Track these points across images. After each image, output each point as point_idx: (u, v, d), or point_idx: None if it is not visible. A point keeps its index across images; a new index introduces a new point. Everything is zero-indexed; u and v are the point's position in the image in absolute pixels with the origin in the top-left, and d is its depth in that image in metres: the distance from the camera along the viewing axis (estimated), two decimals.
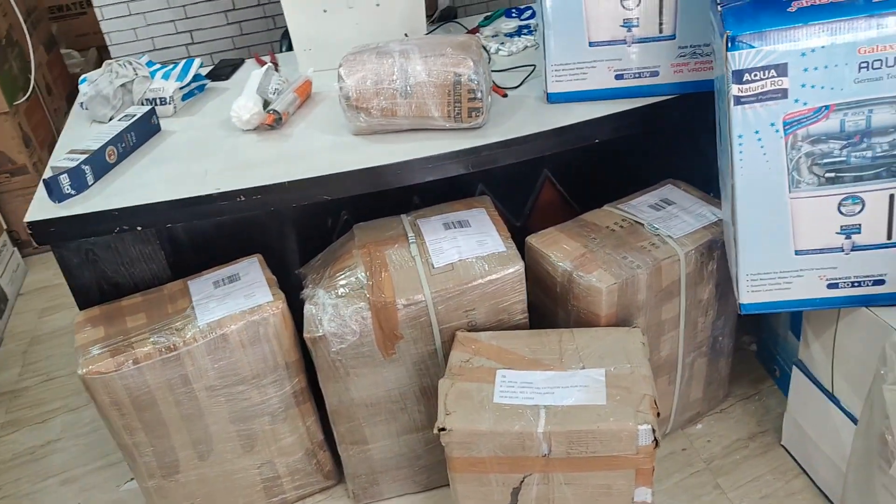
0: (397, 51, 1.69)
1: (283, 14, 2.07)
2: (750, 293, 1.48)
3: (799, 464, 1.82)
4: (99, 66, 3.90)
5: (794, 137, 1.30)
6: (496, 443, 1.42)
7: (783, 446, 1.87)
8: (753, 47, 1.24)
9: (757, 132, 1.31)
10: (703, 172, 2.00)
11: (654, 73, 1.73)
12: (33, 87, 3.00)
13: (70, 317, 2.71)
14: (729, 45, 1.25)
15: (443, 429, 1.43)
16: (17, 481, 2.10)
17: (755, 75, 1.26)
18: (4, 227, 2.90)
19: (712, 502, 1.77)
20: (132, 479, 2.01)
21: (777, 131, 1.30)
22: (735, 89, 1.28)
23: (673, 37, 1.69)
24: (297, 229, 1.96)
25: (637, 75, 1.74)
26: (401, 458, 1.80)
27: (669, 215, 1.76)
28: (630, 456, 1.40)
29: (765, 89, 1.27)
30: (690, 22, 1.66)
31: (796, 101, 1.27)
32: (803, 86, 1.26)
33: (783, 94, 1.27)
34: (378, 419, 1.73)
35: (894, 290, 1.42)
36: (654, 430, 1.37)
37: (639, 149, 2.01)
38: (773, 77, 1.25)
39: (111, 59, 2.75)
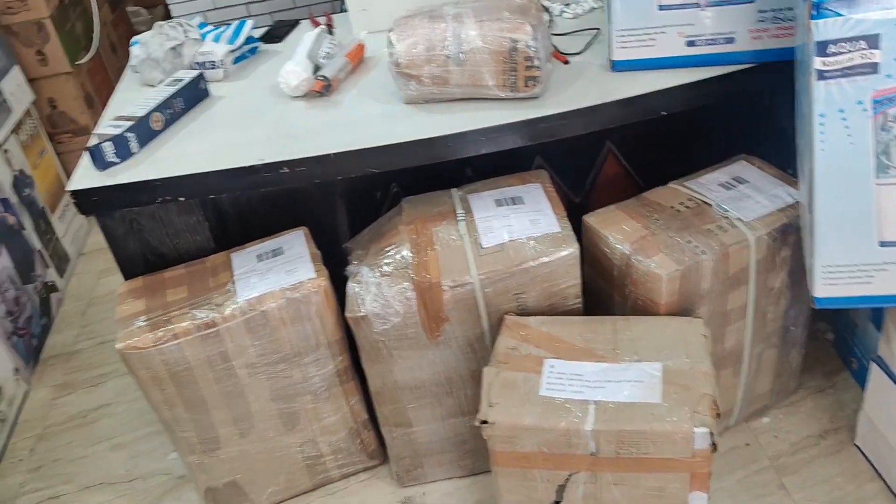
0: (451, 14, 1.58)
1: None
2: (826, 286, 1.35)
3: (874, 466, 1.68)
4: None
5: (884, 117, 1.16)
6: (540, 438, 1.34)
7: (857, 446, 1.74)
8: (841, 15, 1.09)
9: (842, 111, 1.17)
10: (781, 148, 1.85)
11: (730, 40, 1.59)
12: (97, 47, 2.99)
13: None
14: (813, 12, 1.11)
15: (485, 421, 1.35)
16: (68, 444, 2.12)
17: (842, 47, 1.12)
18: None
19: None
20: None
21: (865, 110, 1.16)
22: (818, 62, 1.14)
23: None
24: (345, 201, 1.89)
25: (711, 42, 1.59)
26: (445, 441, 1.74)
27: (741, 195, 1.62)
28: (685, 459, 1.30)
29: (852, 63, 1.12)
30: None
31: (888, 76, 1.12)
32: None
33: (873, 68, 1.12)
34: (423, 402, 1.67)
35: None
36: (712, 434, 1.27)
37: (711, 121, 1.87)
38: (862, 49, 1.11)
39: (174, 17, 2.72)
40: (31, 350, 2.39)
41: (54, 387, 2.32)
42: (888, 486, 1.64)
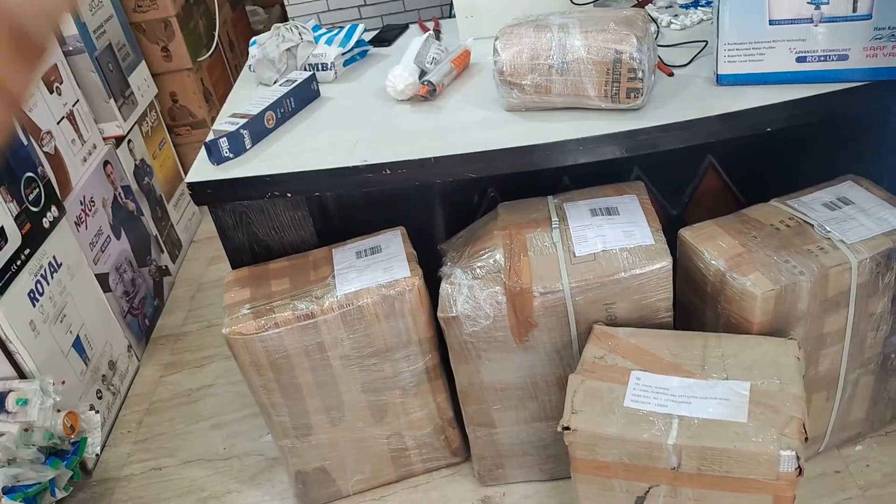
0: (556, 24, 1.60)
1: None
2: None
3: None
4: (282, 22, 4.04)
5: None
6: (622, 449, 1.35)
7: None
8: None
9: None
10: (889, 170, 1.80)
11: (843, 57, 1.55)
12: (216, 44, 3.14)
13: None
14: None
15: (567, 427, 1.37)
16: (172, 420, 2.25)
17: None
18: (183, 176, 3.08)
19: None
20: None
21: None
22: None
23: (869, 16, 1.50)
24: (443, 203, 1.94)
25: (822, 58, 1.56)
26: (528, 444, 1.77)
27: (845, 216, 1.58)
28: (769, 482, 1.29)
29: None
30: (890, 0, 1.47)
31: None
32: None
33: None
34: (507, 404, 1.70)
35: None
36: (798, 458, 1.25)
37: (818, 139, 1.83)
38: None
39: (292, 17, 2.83)
40: (143, 329, 2.54)
41: (162, 365, 2.46)
42: None
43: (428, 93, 1.78)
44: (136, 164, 2.68)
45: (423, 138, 1.65)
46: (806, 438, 1.28)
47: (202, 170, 1.69)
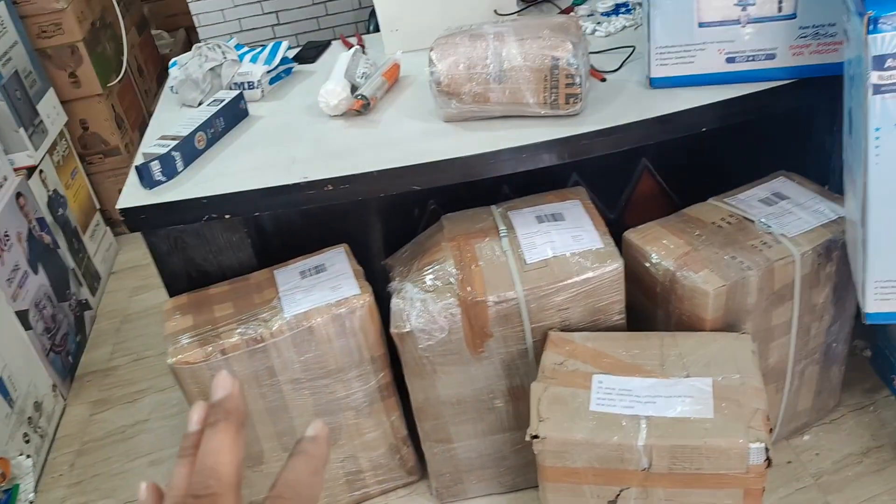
0: (491, 33, 1.60)
1: None
2: (878, 301, 1.35)
3: None
4: (187, 47, 3.94)
5: None
6: (592, 454, 1.34)
7: None
8: None
9: None
10: (817, 165, 1.86)
11: (771, 56, 1.59)
12: (126, 69, 3.02)
13: (160, 297, 2.73)
14: (870, 26, 1.11)
15: (536, 436, 1.35)
16: (107, 459, 2.13)
17: None
18: (97, 206, 2.95)
19: None
20: None
21: None
22: (875, 77, 1.15)
23: (793, 16, 1.55)
24: (382, 218, 1.90)
25: (751, 58, 1.60)
26: (486, 458, 1.74)
27: (782, 211, 1.63)
28: (739, 475, 1.30)
29: None
30: None
31: None
32: None
33: None
34: (464, 418, 1.67)
35: None
36: (767, 449, 1.27)
37: (746, 137, 1.88)
38: None
39: (199, 40, 2.75)
40: (67, 367, 2.41)
41: (91, 403, 2.33)
42: None
43: (362, 107, 1.74)
44: (49, 196, 2.55)
45: (362, 153, 1.62)
46: (771, 430, 1.29)
47: (133, 195, 1.60)
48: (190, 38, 3.89)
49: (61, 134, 2.70)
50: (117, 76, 2.97)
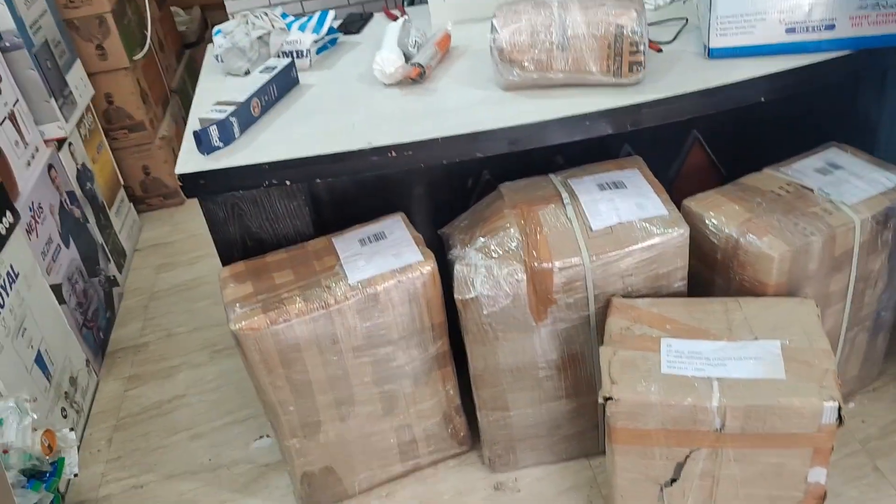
0: (556, 1, 1.60)
1: None
2: None
3: None
4: (204, 24, 3.91)
5: None
6: (666, 415, 1.35)
7: None
8: None
9: None
10: (863, 136, 1.88)
11: (830, 27, 1.61)
12: (150, 43, 3.00)
13: (186, 274, 2.75)
14: None
15: (609, 398, 1.36)
16: (146, 435, 2.12)
17: None
18: (122, 182, 2.93)
19: (872, 485, 1.68)
20: (262, 436, 2.02)
21: None
22: None
23: None
24: (436, 188, 1.90)
25: (810, 28, 1.61)
26: (541, 426, 1.75)
27: (839, 180, 1.64)
28: (810, 434, 1.32)
29: None
30: None
31: None
32: None
33: None
34: (522, 385, 1.68)
35: None
36: (839, 408, 1.29)
37: (794, 110, 1.89)
38: None
39: (231, 13, 2.73)
40: (99, 343, 2.39)
41: (124, 379, 2.32)
42: None
43: (419, 75, 1.74)
44: (77, 169, 2.53)
45: (422, 120, 1.62)
46: (840, 389, 1.31)
47: (190, 160, 1.59)
48: (205, 17, 3.86)
49: (88, 108, 2.68)
50: (141, 50, 2.94)
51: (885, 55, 1.62)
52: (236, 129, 1.64)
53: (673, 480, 1.44)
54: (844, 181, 1.64)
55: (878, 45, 1.60)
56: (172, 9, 3.80)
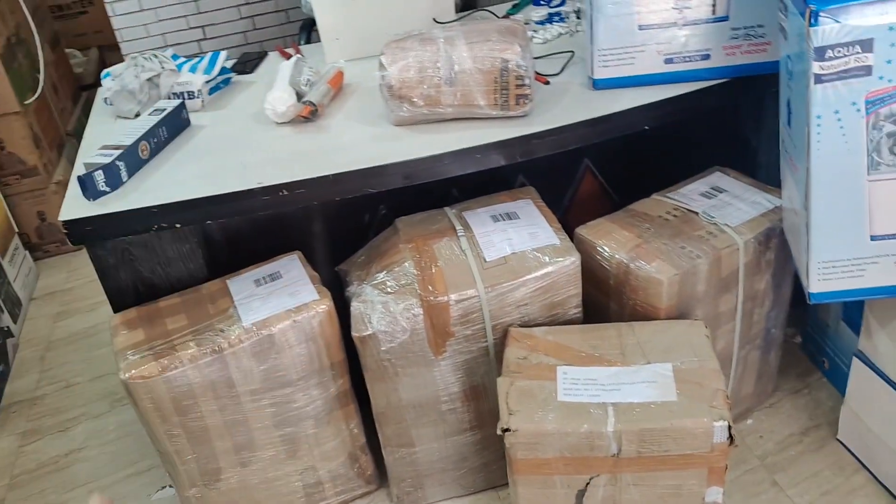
0: (441, 37, 1.62)
1: (297, 7, 2.01)
2: (821, 282, 1.42)
3: (858, 458, 1.77)
4: (101, 65, 3.83)
5: (876, 117, 1.24)
6: (563, 443, 1.36)
7: (839, 440, 1.82)
8: (838, 22, 1.18)
9: (837, 112, 1.25)
10: (744, 160, 1.96)
11: (706, 56, 1.68)
12: (42, 87, 2.91)
13: (83, 322, 2.66)
14: (812, 20, 1.19)
15: (507, 429, 1.37)
16: (42, 492, 2.02)
17: (838, 52, 1.20)
18: (16, 229, 2.82)
19: (772, 500, 1.72)
20: (163, 487, 1.95)
21: (858, 110, 1.24)
22: (816, 67, 1.22)
23: (726, 18, 1.64)
24: (332, 225, 1.89)
25: (687, 59, 1.68)
26: (447, 460, 1.74)
27: (723, 203, 1.70)
28: (704, 454, 1.35)
29: (847, 66, 1.21)
30: (744, 2, 1.61)
31: (881, 78, 1.21)
32: (889, 62, 1.20)
33: (867, 70, 1.21)
34: (425, 420, 1.67)
35: None
36: (729, 427, 1.32)
37: (679, 136, 1.95)
38: (857, 53, 1.20)
39: (125, 55, 2.68)
40: None
41: (19, 434, 2.22)
42: (874, 476, 1.72)
43: (311, 113, 1.74)
44: None
45: (315, 158, 1.61)
46: (730, 408, 1.35)
47: (76, 206, 1.54)
48: (103, 58, 3.78)
49: None
50: (34, 94, 2.85)
51: (759, 82, 1.70)
52: (124, 173, 1.60)
53: None
54: (728, 204, 1.70)
55: (751, 73, 1.69)
56: (68, 50, 3.71)
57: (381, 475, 1.83)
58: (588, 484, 1.41)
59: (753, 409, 1.92)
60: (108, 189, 1.57)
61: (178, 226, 1.55)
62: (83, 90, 3.51)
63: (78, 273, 2.90)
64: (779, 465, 1.79)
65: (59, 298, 2.81)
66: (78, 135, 3.23)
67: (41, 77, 2.92)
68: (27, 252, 2.86)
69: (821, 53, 1.21)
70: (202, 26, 2.93)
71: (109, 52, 3.73)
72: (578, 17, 2.08)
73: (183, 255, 1.66)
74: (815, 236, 1.38)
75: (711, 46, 1.67)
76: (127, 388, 1.47)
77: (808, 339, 2.06)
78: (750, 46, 1.67)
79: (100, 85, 2.00)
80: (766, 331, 1.79)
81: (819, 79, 1.23)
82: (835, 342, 1.92)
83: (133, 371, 1.46)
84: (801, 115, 1.31)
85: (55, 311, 2.73)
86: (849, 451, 1.79)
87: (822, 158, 1.30)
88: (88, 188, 1.54)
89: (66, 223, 1.51)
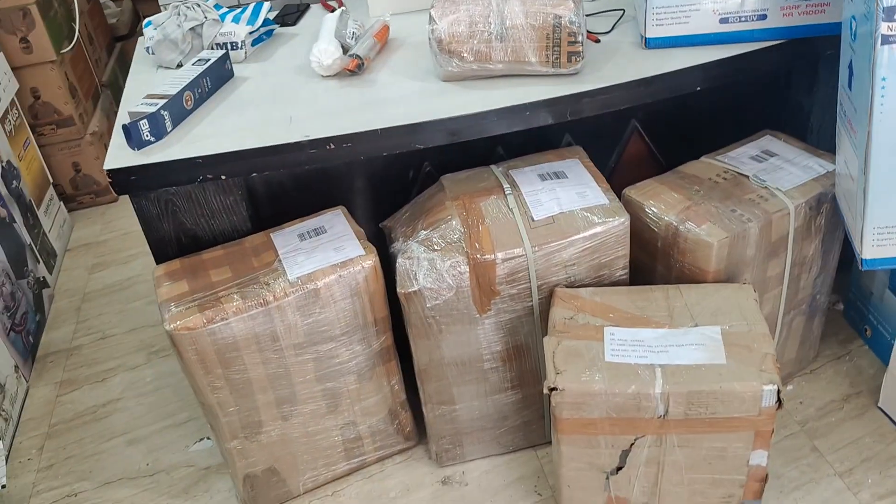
0: None
1: None
2: (875, 247, 1.40)
3: None
4: (135, 17, 3.80)
5: None
6: (610, 403, 1.35)
7: (880, 408, 1.80)
8: None
9: None
10: (794, 124, 1.92)
11: (762, 17, 1.63)
12: (77, 36, 2.90)
13: (119, 274, 2.67)
14: None
15: (554, 388, 1.36)
16: (80, 441, 2.05)
17: None
18: (51, 180, 2.83)
19: (812, 465, 1.71)
20: (202, 439, 1.97)
21: None
22: (885, 27, 1.19)
23: None
24: (376, 181, 1.87)
25: (743, 19, 1.64)
26: (487, 418, 1.74)
27: (773, 167, 1.67)
28: (752, 417, 1.34)
29: None
30: None
31: None
32: None
33: None
34: (467, 378, 1.67)
35: None
36: (779, 391, 1.31)
37: (730, 98, 1.92)
38: None
39: (163, 5, 2.65)
40: (28, 347, 2.30)
41: (56, 384, 2.24)
42: None
43: (357, 66, 1.71)
44: (2, 167, 2.43)
45: (361, 112, 1.59)
46: (779, 373, 1.33)
47: (120, 156, 1.53)
48: (137, 8, 3.75)
49: (12, 102, 2.57)
50: (69, 43, 2.84)
51: (815, 45, 1.65)
52: (168, 123, 1.59)
53: (619, 468, 1.45)
54: (779, 168, 1.67)
55: (808, 35, 1.64)
56: (102, 1, 3.69)
57: (419, 432, 1.84)
58: (633, 444, 1.41)
59: (794, 374, 1.91)
60: (152, 139, 1.55)
61: (223, 177, 1.54)
62: (117, 41, 3.49)
63: (112, 225, 2.91)
64: (819, 430, 1.78)
65: (93, 250, 2.82)
66: (113, 86, 3.23)
67: (76, 26, 2.90)
68: (62, 203, 2.87)
69: (890, 14, 1.17)
70: None
71: (143, 3, 3.71)
72: None
73: (226, 208, 1.65)
74: (872, 201, 1.35)
75: (769, 6, 1.62)
76: (172, 339, 1.48)
77: (851, 307, 2.03)
78: (808, 7, 1.62)
79: (134, 36, 1.99)
80: (811, 297, 1.76)
81: (886, 39, 1.20)
82: (879, 310, 1.89)
83: (178, 322, 1.46)
84: (865, 78, 1.27)
85: (90, 263, 2.74)
86: (890, 419, 1.78)
87: (885, 122, 1.27)
88: (133, 137, 1.53)
89: (111, 172, 1.51)
